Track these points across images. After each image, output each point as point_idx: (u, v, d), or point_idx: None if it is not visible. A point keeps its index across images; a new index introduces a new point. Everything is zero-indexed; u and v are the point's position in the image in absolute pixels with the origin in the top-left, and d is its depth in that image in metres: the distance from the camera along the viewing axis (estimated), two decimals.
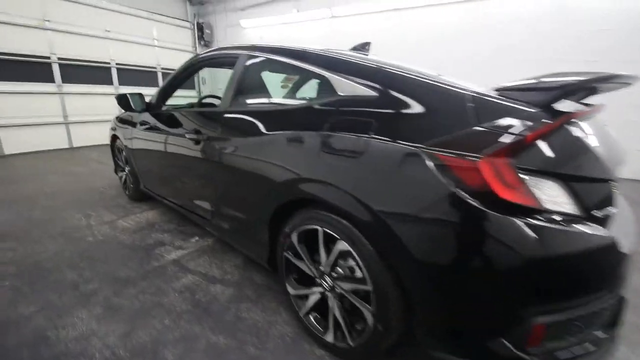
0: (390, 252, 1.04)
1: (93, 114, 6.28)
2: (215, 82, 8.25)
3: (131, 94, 2.44)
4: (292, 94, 2.29)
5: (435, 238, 0.93)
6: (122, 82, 6.64)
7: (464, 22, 5.13)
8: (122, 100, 2.43)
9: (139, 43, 6.87)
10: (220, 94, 3.18)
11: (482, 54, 5.00)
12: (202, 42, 8.07)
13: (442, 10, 5.29)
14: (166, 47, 7.43)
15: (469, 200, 0.87)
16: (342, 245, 1.17)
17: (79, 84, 6.00)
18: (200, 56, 2.16)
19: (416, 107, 1.06)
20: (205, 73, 8.45)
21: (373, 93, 1.18)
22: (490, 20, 4.92)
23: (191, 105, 3.00)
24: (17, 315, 1.52)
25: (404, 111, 1.07)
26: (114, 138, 3.13)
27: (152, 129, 2.41)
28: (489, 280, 0.88)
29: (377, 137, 1.06)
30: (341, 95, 1.27)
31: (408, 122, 1.05)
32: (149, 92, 6.49)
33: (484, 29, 4.98)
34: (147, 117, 2.49)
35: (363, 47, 2.29)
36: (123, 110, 2.78)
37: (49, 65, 5.60)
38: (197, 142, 1.86)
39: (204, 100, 2.75)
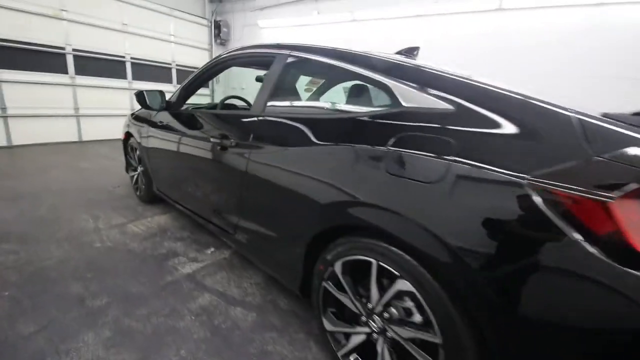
0: (469, 302, 0.85)
1: (105, 108, 6.15)
2: (228, 81, 8.12)
3: (150, 91, 2.28)
4: (335, 100, 2.11)
5: (534, 289, 0.75)
6: (135, 77, 6.51)
7: (487, 32, 4.95)
8: (141, 97, 2.27)
9: (155, 38, 6.76)
10: (236, 94, 3.08)
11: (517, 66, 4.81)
12: (219, 41, 7.95)
13: (467, 18, 5.11)
14: (182, 43, 7.31)
15: (590, 248, 0.68)
16: (403, 285, 0.99)
17: (92, 76, 5.88)
18: (229, 54, 1.99)
19: (510, 128, 0.87)
20: None
21: (449, 106, 1.00)
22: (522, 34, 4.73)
23: (212, 106, 2.84)
24: (15, 336, 1.34)
25: (495, 131, 0.88)
26: (128, 135, 2.96)
27: (170, 129, 2.25)
28: (610, 347, 0.70)
29: (461, 160, 0.87)
30: (407, 107, 1.09)
31: (502, 146, 0.86)
32: (164, 88, 6.38)
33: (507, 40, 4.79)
34: (166, 116, 2.33)
35: (411, 51, 2.10)
36: (140, 107, 2.62)
37: (63, 56, 5.48)
38: (223, 147, 1.69)
39: (228, 101, 2.57)
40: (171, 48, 7.12)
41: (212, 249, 2.20)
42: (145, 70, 6.66)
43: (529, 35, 4.68)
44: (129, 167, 3.17)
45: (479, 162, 0.84)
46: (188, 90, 2.30)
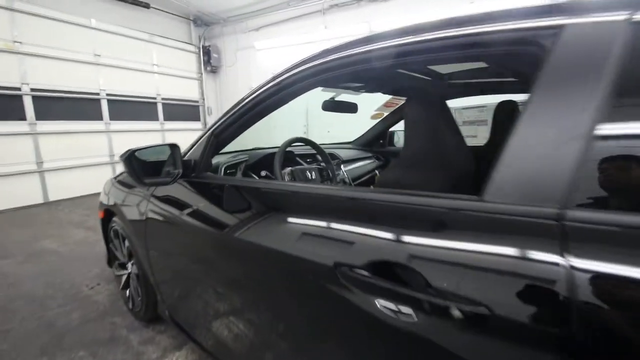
0: None
1: (77, 157, 4.96)
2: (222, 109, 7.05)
3: (150, 148, 1.16)
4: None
5: None
6: (114, 117, 5.38)
7: None
8: (132, 163, 1.14)
9: (135, 69, 5.69)
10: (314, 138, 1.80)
11: None
12: (209, 68, 6.96)
13: None
14: (168, 73, 6.27)
15: None
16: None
17: (58, 120, 4.72)
18: (327, 57, 0.92)
19: None
20: (209, 98, 7.28)
21: None
22: None
23: (264, 160, 1.65)
24: None
25: None
26: (109, 213, 1.82)
27: (196, 214, 1.13)
28: None
29: None
30: None
31: None
32: (148, 127, 5.11)
33: None
34: (183, 189, 1.22)
35: None
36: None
37: (19, 98, 4.32)
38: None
39: (294, 148, 1.51)
40: (155, 79, 6.06)
41: None
42: (125, 107, 5.54)
43: None
44: (113, 260, 1.99)
45: None
46: (222, 136, 1.22)
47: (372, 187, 1.72)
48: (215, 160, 1.42)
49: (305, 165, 1.56)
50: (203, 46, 6.89)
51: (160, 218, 1.31)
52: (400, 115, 2.16)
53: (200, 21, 6.78)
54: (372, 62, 0.84)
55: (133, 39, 5.65)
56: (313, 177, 1.49)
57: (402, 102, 2.05)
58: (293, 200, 0.91)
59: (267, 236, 0.85)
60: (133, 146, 1.14)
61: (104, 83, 5.24)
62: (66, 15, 4.71)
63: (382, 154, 2.40)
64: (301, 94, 1.08)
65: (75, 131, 4.93)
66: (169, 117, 6.25)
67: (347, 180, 1.87)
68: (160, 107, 6.15)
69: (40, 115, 4.51)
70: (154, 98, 6.05)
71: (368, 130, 2.39)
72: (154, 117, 6.07)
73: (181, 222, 1.20)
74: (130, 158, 1.07)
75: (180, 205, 1.22)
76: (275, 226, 0.86)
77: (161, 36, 6.12)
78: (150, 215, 1.38)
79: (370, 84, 1.43)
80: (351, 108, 1.73)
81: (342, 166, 1.92)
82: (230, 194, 1.08)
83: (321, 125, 5.92)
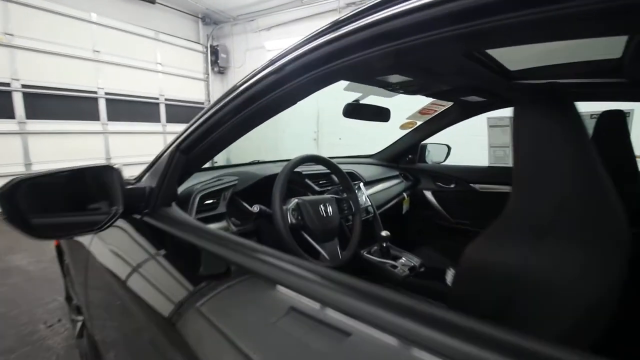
0: None
1: (70, 160, 4.58)
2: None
3: (65, 175, 0.70)
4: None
5: None
6: (112, 117, 5.03)
7: None
8: (19, 200, 0.64)
9: (137, 68, 5.36)
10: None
11: None
12: (216, 69, 6.61)
13: None
14: (172, 73, 5.92)
15: None
16: None
17: (51, 120, 4.38)
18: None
19: None
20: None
21: None
22: None
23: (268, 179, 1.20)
24: None
25: None
26: (60, 244, 1.41)
27: (146, 287, 0.70)
28: None
29: None
30: None
31: None
32: (151, 129, 4.68)
33: None
34: (126, 237, 0.80)
35: None
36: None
37: (9, 94, 4.00)
38: None
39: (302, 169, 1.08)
40: (158, 79, 5.71)
41: None
42: (125, 107, 5.20)
43: None
44: (70, 299, 1.58)
45: None
46: (193, 153, 0.79)
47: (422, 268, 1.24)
48: (190, 183, 1.00)
49: (318, 196, 1.12)
50: (211, 45, 6.55)
51: (100, 271, 0.89)
52: (438, 124, 1.71)
53: (208, 19, 6.45)
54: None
55: (136, 36, 5.33)
56: (329, 214, 1.05)
57: (444, 108, 1.61)
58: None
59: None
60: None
61: (103, 81, 4.90)
62: (64, 7, 4.39)
63: (411, 172, 1.95)
64: (312, 90, 0.65)
65: (69, 131, 4.58)
66: (171, 119, 5.90)
67: (370, 208, 1.42)
68: (162, 108, 5.80)
69: (31, 113, 4.18)
70: (157, 99, 5.71)
71: (395, 142, 1.94)
72: (156, 119, 5.72)
73: (120, 289, 0.77)
74: (15, 193, 0.63)
75: (121, 261, 0.80)
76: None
77: (167, 34, 5.79)
78: (91, 262, 0.96)
79: (424, 77, 0.97)
80: (382, 115, 1.29)
81: (363, 188, 1.48)
82: (186, 256, 0.65)
83: (331, 132, 5.47)
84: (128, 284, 0.76)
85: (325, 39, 0.53)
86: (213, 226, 0.96)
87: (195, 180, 1.06)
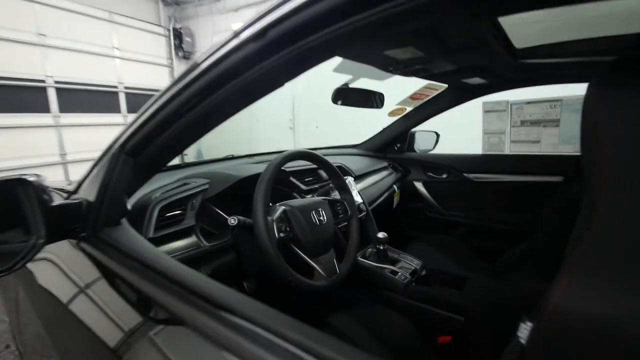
0: None
1: (19, 157, 4.12)
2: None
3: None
4: None
5: None
6: (65, 109, 4.54)
7: None
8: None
9: (91, 53, 4.85)
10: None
11: None
12: (181, 53, 6.15)
13: None
14: (132, 59, 5.43)
15: None
16: None
17: None
18: None
19: None
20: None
21: None
22: None
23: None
24: None
25: None
26: None
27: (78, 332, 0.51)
28: None
29: None
30: None
31: None
32: (111, 120, 4.38)
33: None
34: (54, 270, 0.60)
35: None
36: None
37: None
38: None
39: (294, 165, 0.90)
40: (116, 65, 5.22)
41: None
42: (79, 97, 4.70)
43: None
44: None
45: None
46: (146, 154, 0.59)
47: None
48: (147, 188, 0.79)
49: (308, 200, 0.94)
50: (174, 28, 6.06)
51: (32, 316, 0.68)
52: (430, 110, 1.57)
53: None
54: None
55: (88, 17, 4.79)
56: (323, 221, 0.88)
57: (436, 92, 1.46)
58: None
59: None
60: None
61: (51, 68, 4.39)
62: None
63: (400, 162, 1.82)
64: (300, 68, 0.48)
65: (15, 126, 4.08)
66: (133, 108, 5.43)
67: (363, 206, 1.27)
68: (122, 97, 5.32)
69: None
70: (115, 87, 5.22)
71: (383, 130, 1.79)
72: (116, 109, 5.25)
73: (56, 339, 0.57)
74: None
75: (55, 306, 0.60)
76: None
77: (123, 15, 5.27)
78: (21, 295, 0.74)
79: (430, 52, 0.80)
80: (375, 100, 1.13)
81: (353, 183, 1.31)
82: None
83: (308, 120, 5.23)
84: (63, 335, 0.57)
85: None
86: (180, 244, 0.77)
87: (155, 185, 0.85)
